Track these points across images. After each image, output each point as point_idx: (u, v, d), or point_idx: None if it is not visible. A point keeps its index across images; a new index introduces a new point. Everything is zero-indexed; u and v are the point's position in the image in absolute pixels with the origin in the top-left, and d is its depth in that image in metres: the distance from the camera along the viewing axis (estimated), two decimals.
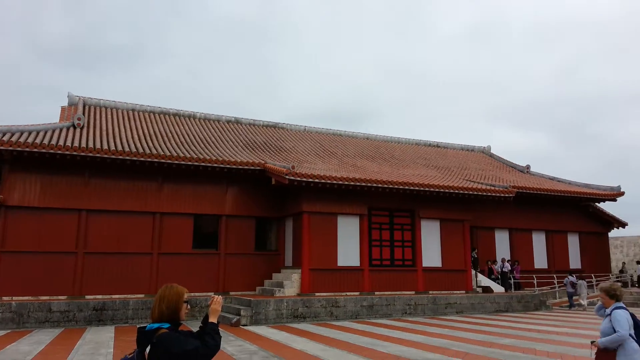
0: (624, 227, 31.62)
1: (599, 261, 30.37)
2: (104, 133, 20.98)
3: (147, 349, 3.16)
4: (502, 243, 27.69)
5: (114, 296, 18.79)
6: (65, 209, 18.89)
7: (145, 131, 22.73)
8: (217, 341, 3.25)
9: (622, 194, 28.62)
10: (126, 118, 24.17)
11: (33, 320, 16.26)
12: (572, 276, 23.92)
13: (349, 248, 20.91)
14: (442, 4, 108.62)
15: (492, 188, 22.94)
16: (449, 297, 21.10)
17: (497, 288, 24.12)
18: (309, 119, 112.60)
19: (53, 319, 16.54)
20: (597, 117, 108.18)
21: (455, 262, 22.94)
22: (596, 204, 30.03)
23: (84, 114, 22.63)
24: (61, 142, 18.07)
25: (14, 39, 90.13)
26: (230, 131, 26.23)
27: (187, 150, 20.80)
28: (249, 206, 21.83)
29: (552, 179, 31.25)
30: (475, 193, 22.29)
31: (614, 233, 32.91)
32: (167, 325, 3.19)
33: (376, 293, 20.74)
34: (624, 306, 5.45)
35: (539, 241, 28.68)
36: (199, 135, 24.05)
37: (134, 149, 19.10)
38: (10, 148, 17.09)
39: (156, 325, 3.18)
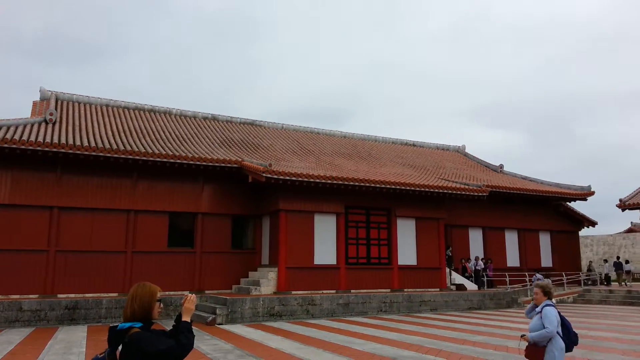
0: (594, 226, 32.45)
1: (570, 259, 31.10)
2: (77, 129, 20.60)
3: (119, 349, 3.14)
4: (475, 241, 28.14)
5: (86, 295, 18.49)
6: (37, 206, 18.52)
7: (120, 127, 22.40)
8: (191, 340, 3.23)
9: (593, 193, 29.36)
10: (100, 114, 23.77)
11: (3, 320, 15.90)
12: (540, 274, 24.44)
13: (325, 246, 20.98)
14: (423, 3, 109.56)
15: (467, 187, 23.29)
16: (423, 294, 21.36)
17: (471, 286, 24.51)
18: (287, 117, 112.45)
19: (24, 318, 16.20)
20: (570, 117, 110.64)
21: (430, 260, 23.23)
22: (567, 203, 30.73)
23: (56, 109, 22.18)
24: (32, 138, 17.68)
25: None
26: (206, 128, 26.02)
27: (162, 147, 20.57)
28: (225, 204, 21.71)
29: (525, 178, 31.87)
30: (450, 192, 22.60)
31: (584, 232, 33.79)
32: (139, 324, 3.17)
33: (352, 291, 20.87)
34: (554, 304, 5.74)
35: (511, 240, 29.23)
36: (174, 132, 23.80)
37: (107, 145, 18.81)
38: None
39: (128, 324, 3.15)
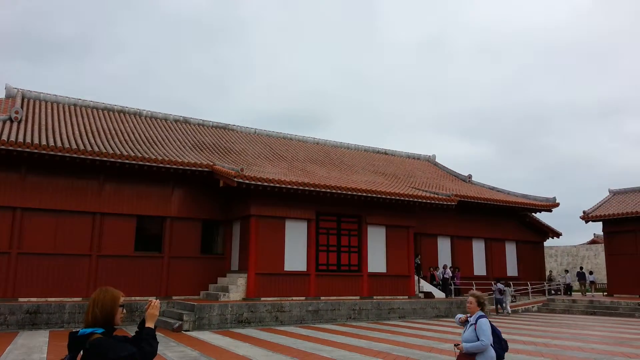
0: (558, 237, 33.30)
1: (535, 269, 31.81)
2: (43, 128, 20.06)
3: (80, 355, 3.05)
4: (444, 250, 28.52)
5: (49, 299, 17.94)
6: None
7: (88, 127, 21.91)
8: (154, 347, 3.16)
9: (557, 205, 30.14)
10: (67, 113, 23.21)
11: None
12: (500, 283, 24.92)
13: (296, 252, 20.91)
14: (395, 15, 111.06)
15: (436, 196, 23.60)
16: (392, 302, 21.49)
17: (439, 294, 24.79)
18: (260, 122, 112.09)
19: None
20: (537, 129, 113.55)
21: (400, 268, 23.41)
22: (533, 214, 31.46)
23: (22, 107, 21.56)
24: None
25: None
26: (178, 131, 25.69)
27: (131, 149, 20.20)
28: (195, 208, 21.43)
29: (492, 188, 32.50)
30: (420, 200, 22.86)
31: (549, 242, 34.62)
32: (100, 330, 3.08)
33: (322, 298, 20.84)
34: (486, 315, 5.92)
35: (478, 249, 29.74)
36: (144, 134, 23.41)
37: (74, 146, 18.37)
38: None
39: (89, 330, 3.06)
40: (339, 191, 20.58)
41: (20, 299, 17.57)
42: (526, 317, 23.53)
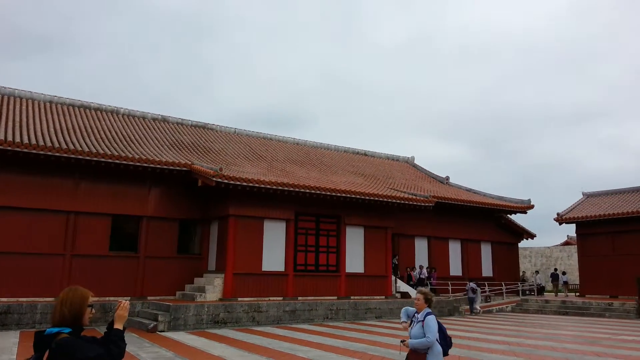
0: (533, 239, 33.89)
1: (509, 270, 32.32)
2: (17, 125, 19.64)
3: (46, 355, 3.01)
4: (421, 250, 28.80)
5: (20, 299, 17.55)
6: None
7: (63, 125, 21.53)
8: (122, 348, 3.14)
9: (532, 207, 30.68)
10: (43, 110, 22.77)
11: None
12: (473, 283, 25.28)
13: (274, 253, 20.88)
14: (377, 18, 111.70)
15: (414, 197, 23.82)
16: (369, 302, 21.61)
17: (415, 294, 24.97)
18: (240, 122, 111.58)
19: None
20: (515, 134, 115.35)
21: (377, 269, 23.55)
22: (508, 215, 31.96)
23: None
24: None
25: None
26: (156, 129, 25.42)
27: (107, 147, 19.91)
28: (172, 208, 21.23)
29: (469, 190, 32.92)
30: (399, 201, 23.04)
31: (523, 244, 35.23)
32: (68, 330, 3.04)
33: (299, 298, 20.84)
34: (433, 313, 6.08)
35: (454, 249, 30.10)
36: (121, 132, 23.10)
37: (49, 143, 18.04)
38: None
39: (56, 329, 3.02)
40: (318, 192, 20.62)
41: None
42: (500, 317, 23.90)
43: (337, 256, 22.61)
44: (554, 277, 33.56)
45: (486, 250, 31.39)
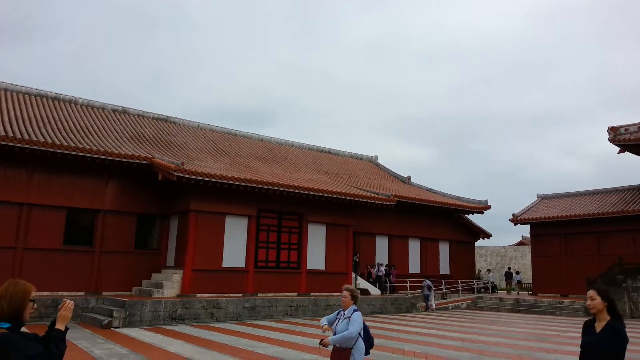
0: (489, 238, 34.87)
1: (466, 268, 33.17)
2: None
3: None
4: (381, 248, 29.19)
5: None
6: None
7: (18, 114, 20.73)
8: (61, 350, 3.05)
9: (489, 207, 31.55)
10: None
11: None
12: (428, 280, 25.84)
13: (235, 249, 20.74)
14: (344, 17, 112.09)
15: (376, 196, 24.10)
16: (329, 298, 21.75)
17: (375, 291, 25.34)
18: (203, 117, 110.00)
19: None
20: (475, 136, 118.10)
21: (338, 266, 23.73)
22: (466, 215, 32.76)
23: None
24: None
25: None
26: (115, 121, 24.78)
27: (64, 138, 19.30)
28: (131, 202, 20.77)
29: (429, 190, 33.55)
30: (361, 200, 23.26)
31: (480, 243, 36.19)
32: (6, 325, 2.94)
33: (259, 294, 20.78)
34: (359, 310, 6.04)
35: (414, 248, 30.66)
36: (79, 123, 22.42)
37: (2, 133, 17.35)
38: None
39: None
40: (281, 188, 20.59)
41: None
42: (455, 313, 24.49)
43: (298, 253, 22.66)
44: (508, 276, 34.60)
45: (444, 249, 32.09)
